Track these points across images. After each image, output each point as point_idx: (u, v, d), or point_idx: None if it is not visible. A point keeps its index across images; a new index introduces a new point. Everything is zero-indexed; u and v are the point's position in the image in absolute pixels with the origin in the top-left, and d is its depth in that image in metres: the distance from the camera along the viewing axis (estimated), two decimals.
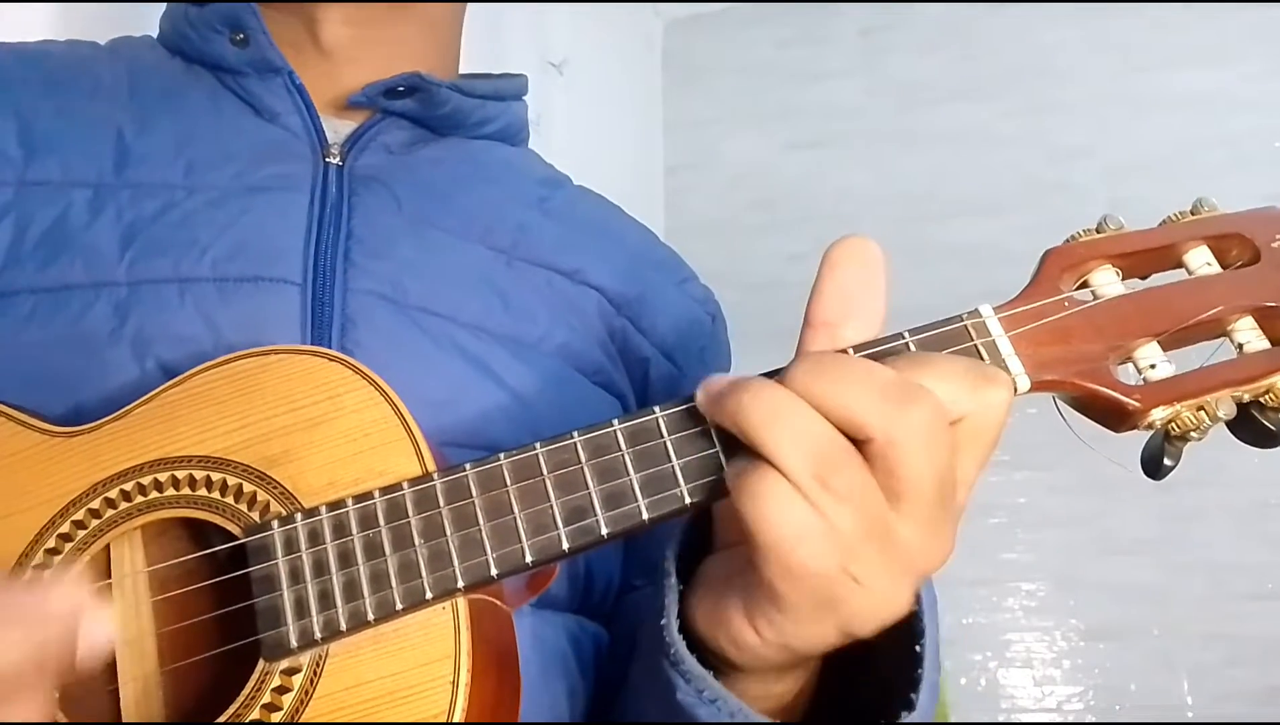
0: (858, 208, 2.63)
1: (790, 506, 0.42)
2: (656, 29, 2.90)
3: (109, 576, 0.52)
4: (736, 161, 2.79)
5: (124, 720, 0.51)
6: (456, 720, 0.45)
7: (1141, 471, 0.49)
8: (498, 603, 0.51)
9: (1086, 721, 2.31)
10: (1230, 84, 2.43)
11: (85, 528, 0.52)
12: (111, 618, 0.50)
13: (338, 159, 0.71)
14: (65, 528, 0.52)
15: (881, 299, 0.48)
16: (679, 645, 0.49)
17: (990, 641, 2.39)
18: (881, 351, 0.47)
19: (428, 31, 0.79)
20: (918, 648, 0.50)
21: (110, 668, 0.51)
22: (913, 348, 0.48)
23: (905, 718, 0.49)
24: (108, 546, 0.52)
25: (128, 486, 0.52)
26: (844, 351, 0.47)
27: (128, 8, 0.82)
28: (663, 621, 0.50)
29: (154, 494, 0.52)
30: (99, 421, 0.54)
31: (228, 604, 0.50)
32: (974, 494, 0.49)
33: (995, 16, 2.66)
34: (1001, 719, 2.32)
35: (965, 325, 0.48)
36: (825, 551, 0.42)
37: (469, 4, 0.86)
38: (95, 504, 0.52)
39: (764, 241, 2.65)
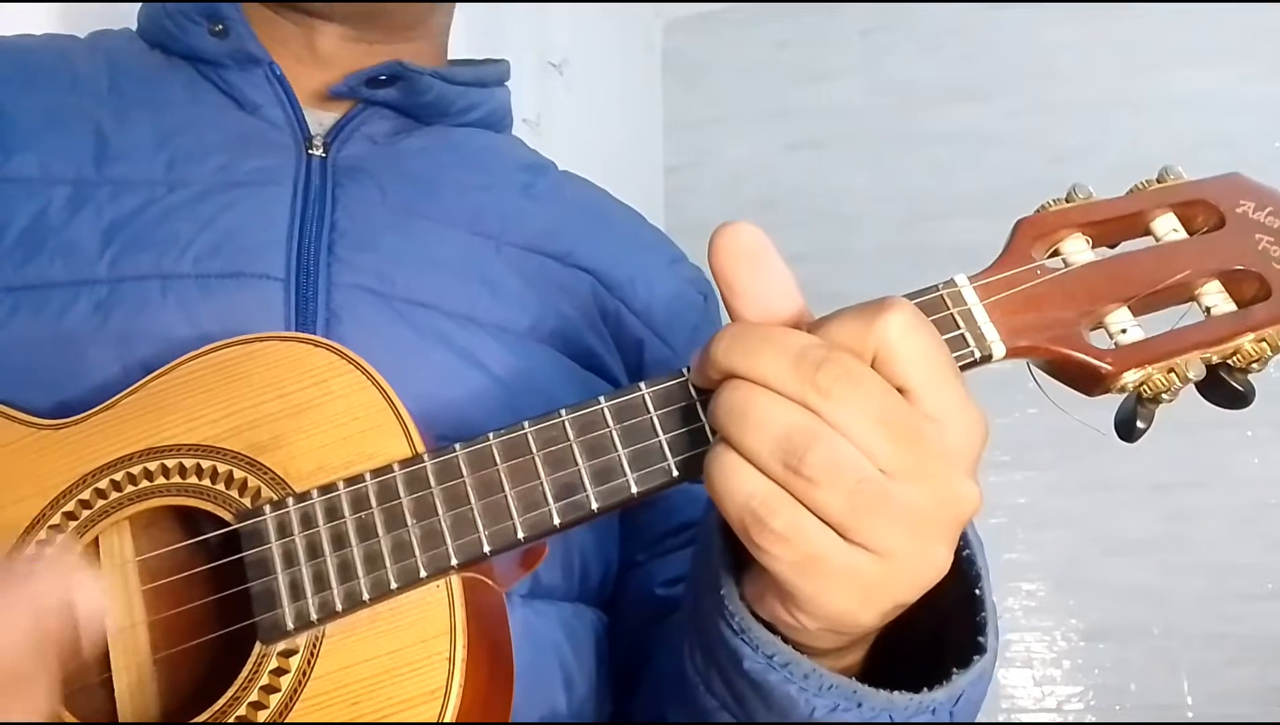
0: (858, 208, 2.62)
1: (750, 483, 0.42)
2: (656, 29, 2.90)
3: (99, 567, 0.53)
4: (736, 161, 2.79)
5: (119, 709, 0.51)
6: (454, 695, 0.46)
7: (1115, 434, 0.50)
8: (489, 582, 0.51)
9: (1086, 721, 2.31)
10: (1230, 84, 2.43)
11: (76, 519, 0.52)
12: (104, 597, 0.50)
13: (321, 150, 0.71)
14: (56, 519, 0.52)
15: (784, 274, 0.47)
16: (743, 613, 0.48)
17: None
18: None
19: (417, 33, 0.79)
20: (977, 591, 0.50)
21: (103, 657, 0.51)
22: None
23: (977, 661, 0.49)
24: (96, 538, 0.52)
25: (118, 476, 0.52)
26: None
27: (128, 8, 0.82)
28: (723, 591, 0.48)
29: (144, 483, 0.52)
30: (86, 413, 0.54)
31: (219, 591, 0.50)
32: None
33: (995, 16, 2.65)
34: (1001, 719, 2.32)
35: (941, 294, 0.49)
36: (803, 529, 0.42)
37: (471, 4, 0.86)
38: (85, 495, 0.52)
39: None
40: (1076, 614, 2.36)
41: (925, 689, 0.48)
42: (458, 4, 0.85)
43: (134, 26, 0.80)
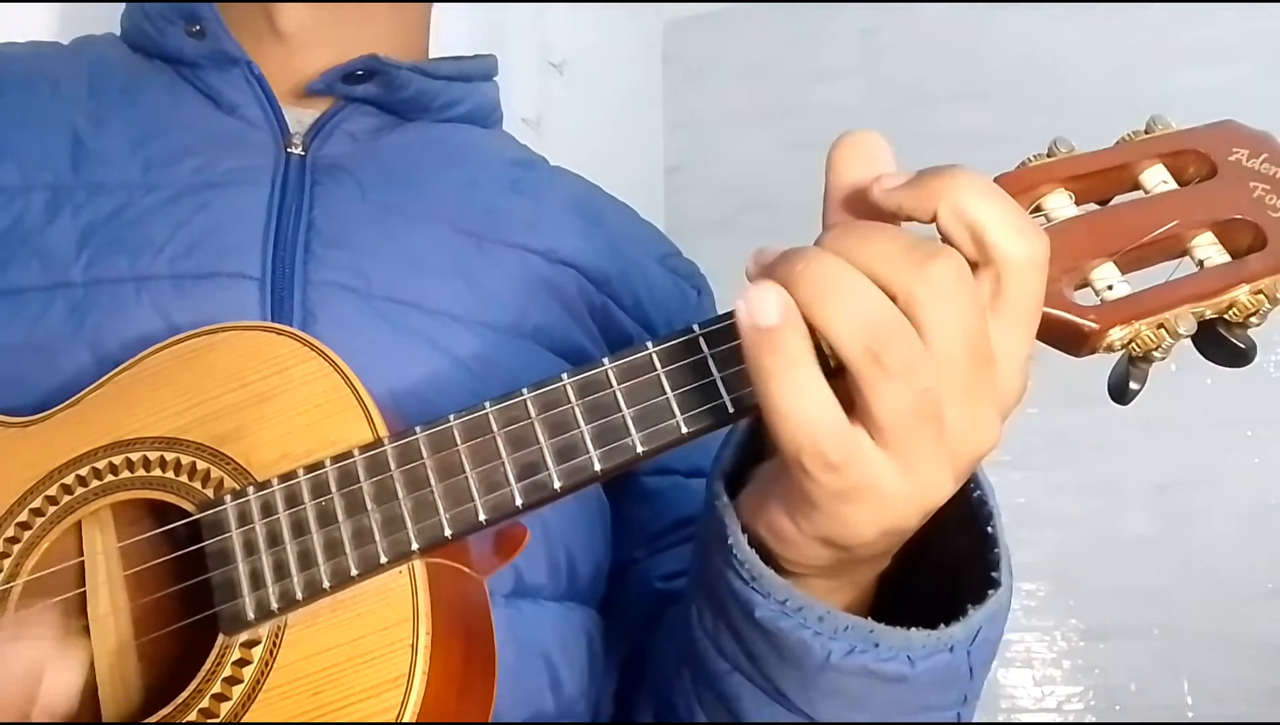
0: None
1: (819, 410, 0.41)
2: (656, 29, 2.90)
3: (80, 554, 0.53)
4: (736, 161, 2.78)
5: (100, 693, 0.51)
6: (417, 682, 0.46)
7: (1109, 397, 0.48)
8: (464, 568, 0.51)
9: (1086, 721, 2.30)
10: (1230, 84, 2.42)
11: (44, 515, 0.52)
12: (77, 665, 0.48)
13: (300, 149, 0.70)
14: (24, 516, 0.53)
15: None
16: (753, 561, 0.48)
17: None
18: None
19: (388, 16, 0.78)
20: (990, 528, 0.50)
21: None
22: None
23: (993, 596, 0.48)
24: (79, 525, 0.53)
25: (84, 472, 0.53)
26: None
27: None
28: (730, 540, 0.48)
29: (110, 478, 0.52)
30: (52, 409, 0.55)
31: (196, 578, 0.51)
32: None
33: (995, 16, 2.65)
34: (1001, 719, 2.31)
35: None
36: (853, 461, 0.41)
37: (471, 4, 0.86)
38: (52, 491, 0.53)
39: (764, 242, 2.63)
40: (1076, 614, 2.35)
41: (942, 625, 0.48)
42: (458, 4, 0.84)
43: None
